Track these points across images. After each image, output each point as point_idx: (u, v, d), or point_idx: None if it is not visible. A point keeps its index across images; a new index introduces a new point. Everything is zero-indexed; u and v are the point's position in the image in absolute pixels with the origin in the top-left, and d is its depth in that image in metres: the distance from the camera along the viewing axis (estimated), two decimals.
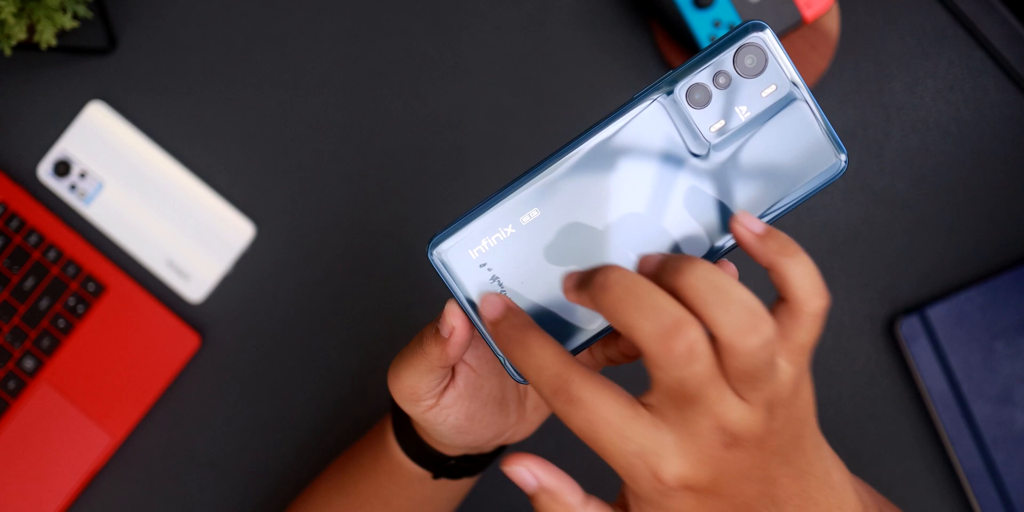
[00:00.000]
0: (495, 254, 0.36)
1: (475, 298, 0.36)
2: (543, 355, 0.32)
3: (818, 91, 0.72)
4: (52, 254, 0.71)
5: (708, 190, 0.35)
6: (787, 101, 0.34)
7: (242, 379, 0.72)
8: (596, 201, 0.35)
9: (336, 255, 0.72)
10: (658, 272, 0.32)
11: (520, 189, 0.35)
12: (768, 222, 0.36)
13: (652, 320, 0.30)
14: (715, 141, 0.35)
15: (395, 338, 0.72)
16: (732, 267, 0.36)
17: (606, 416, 0.31)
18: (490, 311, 0.35)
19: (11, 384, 0.70)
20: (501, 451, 0.50)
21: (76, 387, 0.70)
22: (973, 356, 0.69)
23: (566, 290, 0.33)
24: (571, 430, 0.32)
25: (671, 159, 0.35)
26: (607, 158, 0.35)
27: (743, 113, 0.34)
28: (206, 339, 0.72)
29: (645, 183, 0.35)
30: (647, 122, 0.35)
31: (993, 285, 0.69)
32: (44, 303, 0.71)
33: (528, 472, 0.34)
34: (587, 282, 0.32)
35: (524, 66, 0.72)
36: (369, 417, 0.72)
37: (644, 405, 0.32)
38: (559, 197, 0.35)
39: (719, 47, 0.34)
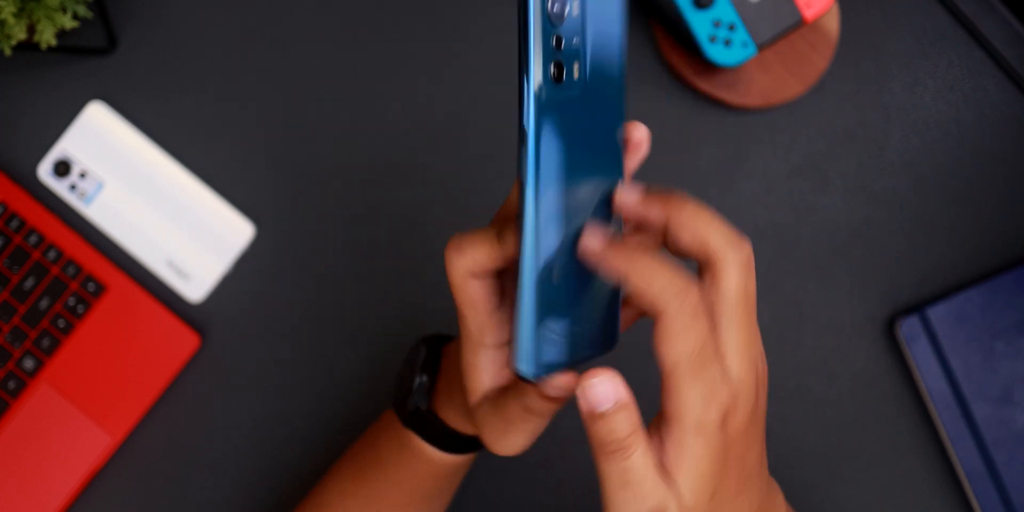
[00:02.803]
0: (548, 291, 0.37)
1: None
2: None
3: (818, 91, 0.72)
4: (52, 254, 0.71)
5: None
6: None
7: (242, 379, 0.72)
8: (562, 170, 0.37)
9: (336, 255, 0.72)
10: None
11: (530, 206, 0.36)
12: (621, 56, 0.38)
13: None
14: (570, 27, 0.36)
15: (395, 337, 0.72)
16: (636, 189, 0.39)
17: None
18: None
19: (11, 384, 0.70)
20: None
21: (76, 387, 0.70)
22: (973, 356, 0.69)
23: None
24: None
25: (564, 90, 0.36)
26: (550, 128, 0.36)
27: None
28: (206, 339, 0.72)
29: (572, 119, 0.36)
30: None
31: (993, 285, 0.69)
32: (44, 303, 0.71)
33: (615, 388, 0.37)
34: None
35: None
36: (369, 416, 0.72)
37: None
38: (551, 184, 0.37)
39: None
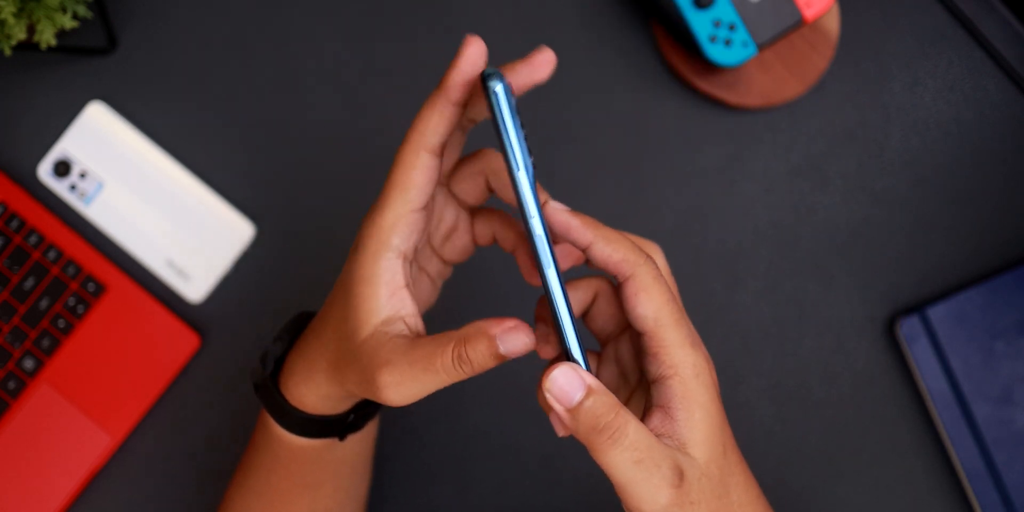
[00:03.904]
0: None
1: None
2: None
3: (818, 91, 0.72)
4: (52, 254, 0.71)
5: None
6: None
7: (242, 379, 0.72)
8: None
9: (336, 255, 0.72)
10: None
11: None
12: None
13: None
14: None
15: None
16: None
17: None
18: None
19: (11, 384, 0.70)
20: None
21: (76, 387, 0.70)
22: (973, 356, 0.69)
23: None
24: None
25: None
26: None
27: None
28: (206, 339, 0.72)
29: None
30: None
31: (993, 285, 0.69)
32: (44, 303, 0.71)
33: (578, 375, 0.36)
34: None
35: None
36: None
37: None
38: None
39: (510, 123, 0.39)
